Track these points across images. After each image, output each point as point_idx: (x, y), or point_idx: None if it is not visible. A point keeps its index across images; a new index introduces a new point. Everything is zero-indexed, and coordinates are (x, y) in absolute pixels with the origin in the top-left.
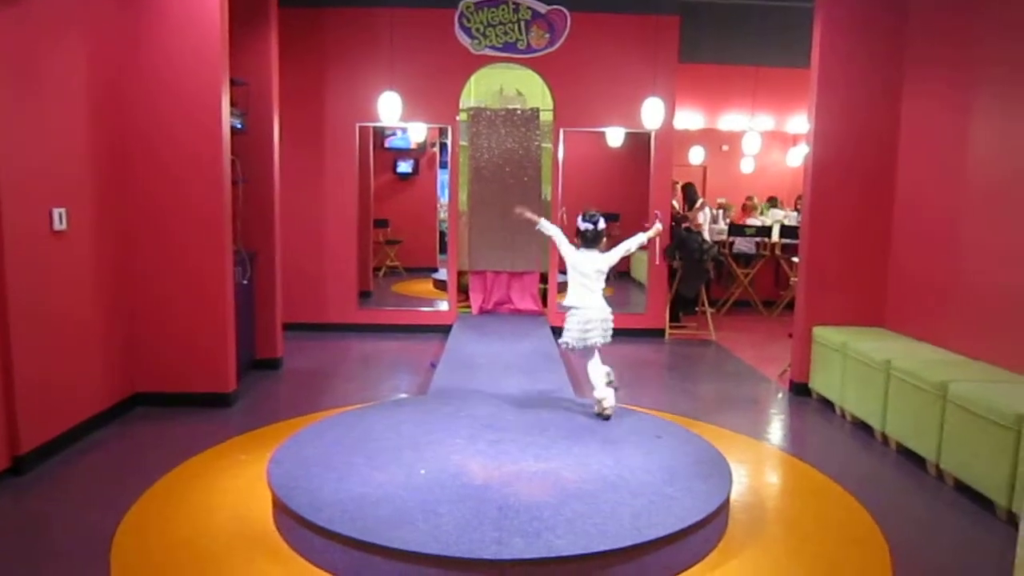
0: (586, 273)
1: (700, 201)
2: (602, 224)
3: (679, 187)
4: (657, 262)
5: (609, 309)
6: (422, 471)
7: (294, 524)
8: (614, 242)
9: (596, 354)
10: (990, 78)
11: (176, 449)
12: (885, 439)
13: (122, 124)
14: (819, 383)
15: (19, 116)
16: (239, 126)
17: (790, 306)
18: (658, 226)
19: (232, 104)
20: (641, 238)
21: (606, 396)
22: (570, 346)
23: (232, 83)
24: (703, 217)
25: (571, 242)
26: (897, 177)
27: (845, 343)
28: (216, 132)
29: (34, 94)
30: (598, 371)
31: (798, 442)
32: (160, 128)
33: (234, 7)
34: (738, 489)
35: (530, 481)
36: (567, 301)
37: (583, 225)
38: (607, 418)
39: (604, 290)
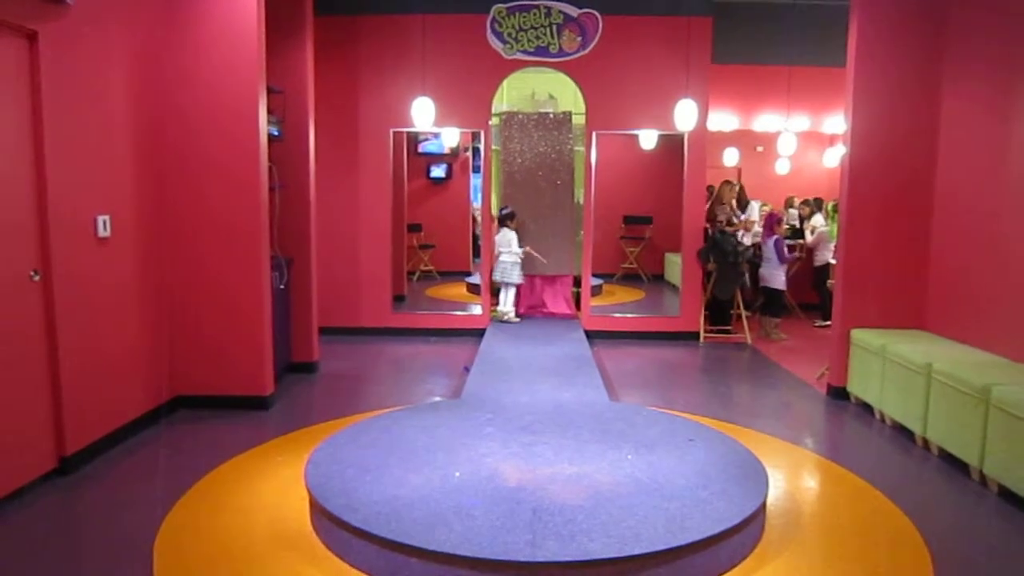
0: (501, 243)
1: (748, 207)
2: (508, 210)
3: (737, 187)
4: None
5: (517, 258)
6: (456, 474)
7: (330, 525)
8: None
9: (511, 292)
10: None
11: (216, 451)
12: (926, 444)
13: (161, 132)
14: (858, 387)
15: (65, 124)
16: (276, 133)
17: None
18: (525, 249)
19: (269, 112)
20: (517, 250)
21: (509, 311)
22: (497, 279)
23: (269, 91)
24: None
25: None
26: (936, 177)
27: (884, 346)
28: (253, 140)
29: (79, 103)
30: (508, 299)
31: (836, 446)
32: (198, 135)
33: (270, 17)
34: (775, 494)
35: (564, 484)
36: (497, 262)
37: (499, 213)
38: (507, 321)
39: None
